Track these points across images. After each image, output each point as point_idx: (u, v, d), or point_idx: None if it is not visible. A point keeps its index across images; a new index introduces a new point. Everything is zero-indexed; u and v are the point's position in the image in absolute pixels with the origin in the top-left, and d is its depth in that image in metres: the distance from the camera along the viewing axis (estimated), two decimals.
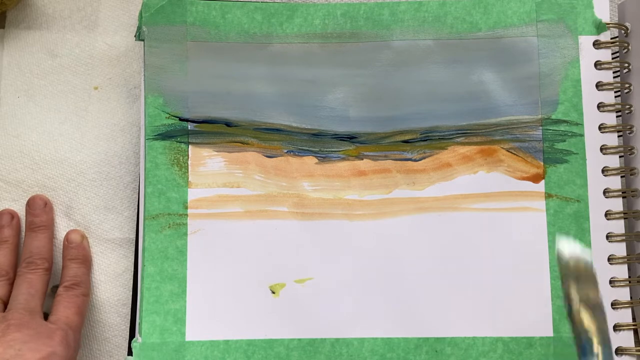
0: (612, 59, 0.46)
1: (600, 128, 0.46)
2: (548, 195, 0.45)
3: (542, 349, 0.44)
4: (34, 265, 0.44)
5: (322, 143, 0.46)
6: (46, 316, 0.43)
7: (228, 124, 0.45)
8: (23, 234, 0.46)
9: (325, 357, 0.44)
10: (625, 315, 0.45)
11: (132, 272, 0.46)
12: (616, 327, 0.44)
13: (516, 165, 0.45)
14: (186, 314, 0.44)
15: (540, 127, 0.46)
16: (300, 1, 0.47)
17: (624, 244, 0.45)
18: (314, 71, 0.46)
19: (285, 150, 0.45)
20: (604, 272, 0.45)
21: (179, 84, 0.45)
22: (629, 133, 0.46)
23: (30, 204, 0.46)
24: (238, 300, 0.44)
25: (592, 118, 0.46)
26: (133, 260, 0.46)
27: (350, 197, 0.45)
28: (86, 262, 0.45)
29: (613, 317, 0.44)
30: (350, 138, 0.46)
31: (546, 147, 0.46)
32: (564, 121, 0.46)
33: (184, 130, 0.45)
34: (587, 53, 0.46)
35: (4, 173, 0.47)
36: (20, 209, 0.46)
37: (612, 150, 0.46)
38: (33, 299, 0.42)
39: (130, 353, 0.44)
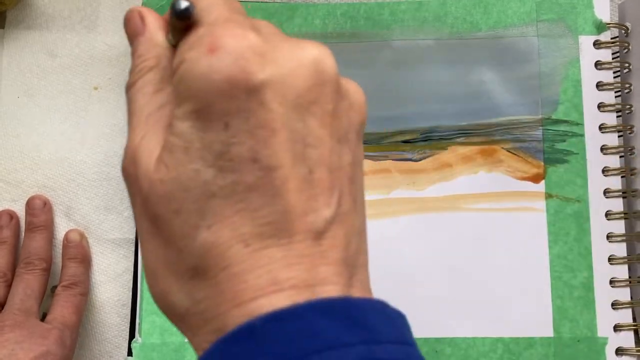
0: (613, 59, 0.46)
1: (600, 128, 0.46)
2: (548, 196, 0.45)
3: (542, 349, 0.44)
4: (31, 265, 0.44)
5: None
6: (46, 316, 0.43)
7: None
8: (23, 234, 0.46)
9: None
10: (625, 316, 0.45)
11: (132, 273, 0.46)
12: (616, 327, 0.44)
13: (516, 165, 0.45)
14: None
15: (541, 127, 0.46)
16: (300, 1, 0.47)
17: (624, 244, 0.45)
18: None
19: None
20: (604, 273, 0.45)
21: None
22: (630, 133, 0.46)
23: (29, 204, 0.46)
24: None
25: (592, 118, 0.46)
26: (133, 261, 0.46)
27: None
28: (85, 261, 0.45)
29: (613, 317, 0.44)
30: None
31: (546, 147, 0.45)
32: (565, 121, 0.46)
33: None
34: (588, 53, 0.46)
35: (3, 173, 0.47)
36: (19, 209, 0.46)
37: (612, 151, 0.46)
38: (29, 299, 0.42)
39: (130, 353, 0.44)
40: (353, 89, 0.24)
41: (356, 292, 0.22)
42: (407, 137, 0.46)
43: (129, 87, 0.24)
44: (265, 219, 0.21)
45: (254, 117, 0.21)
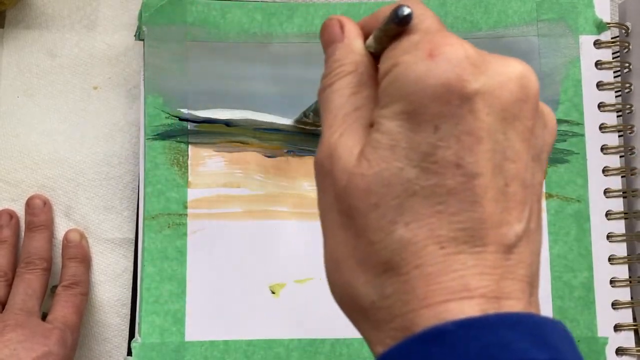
0: (613, 58, 0.46)
1: (600, 128, 0.46)
2: (549, 195, 0.45)
3: None
4: (32, 265, 0.44)
5: None
6: (46, 316, 0.43)
7: (228, 123, 0.45)
8: (23, 234, 0.46)
9: (325, 358, 0.44)
10: (625, 316, 0.45)
11: (132, 272, 0.46)
12: (617, 327, 0.44)
13: None
14: (186, 314, 0.44)
15: None
16: (300, 1, 0.47)
17: (624, 244, 0.45)
18: (314, 71, 0.45)
19: (286, 150, 0.45)
20: (604, 273, 0.45)
21: (179, 83, 0.45)
22: (630, 133, 0.46)
23: (29, 204, 0.46)
24: (238, 300, 0.44)
25: (592, 118, 0.45)
26: (133, 261, 0.46)
27: None
28: (85, 261, 0.45)
29: (613, 317, 0.44)
30: None
31: None
32: (565, 121, 0.46)
33: (183, 130, 0.45)
34: (588, 53, 0.46)
35: (3, 173, 0.47)
36: (19, 209, 0.46)
37: (612, 150, 0.45)
38: (30, 299, 0.42)
39: (129, 353, 0.44)
40: (547, 110, 0.24)
41: (533, 311, 0.23)
42: None
43: (325, 89, 0.25)
44: (462, 225, 0.22)
45: (464, 124, 0.22)
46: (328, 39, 0.26)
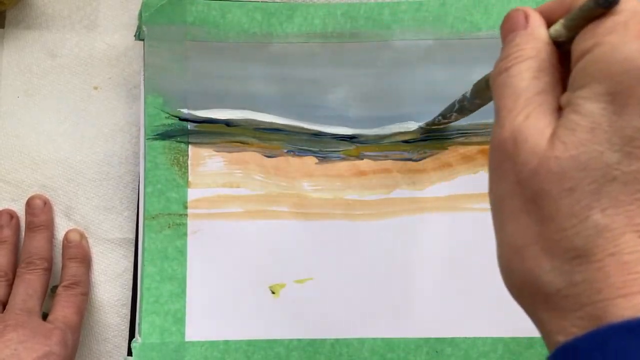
0: None
1: None
2: None
3: (542, 349, 0.44)
4: (32, 265, 0.44)
5: (322, 143, 0.45)
6: (47, 316, 0.43)
7: (228, 123, 0.45)
8: (23, 234, 0.46)
9: (325, 358, 0.44)
10: None
11: (132, 273, 0.46)
12: None
13: None
14: (186, 314, 0.44)
15: None
16: (300, 1, 0.47)
17: None
18: (314, 71, 0.46)
19: (285, 150, 0.45)
20: None
21: (179, 83, 0.45)
22: None
23: (29, 204, 0.46)
24: (238, 300, 0.44)
25: None
26: (133, 261, 0.46)
27: (351, 197, 0.45)
28: (85, 261, 0.45)
29: None
30: (350, 138, 0.45)
31: None
32: None
33: (183, 130, 0.45)
34: None
35: (3, 173, 0.47)
36: (19, 209, 0.46)
37: None
38: (31, 299, 0.42)
39: (129, 353, 0.44)
40: None
41: None
42: (407, 137, 0.46)
43: (501, 72, 0.25)
44: None
45: None
46: (509, 27, 0.26)
